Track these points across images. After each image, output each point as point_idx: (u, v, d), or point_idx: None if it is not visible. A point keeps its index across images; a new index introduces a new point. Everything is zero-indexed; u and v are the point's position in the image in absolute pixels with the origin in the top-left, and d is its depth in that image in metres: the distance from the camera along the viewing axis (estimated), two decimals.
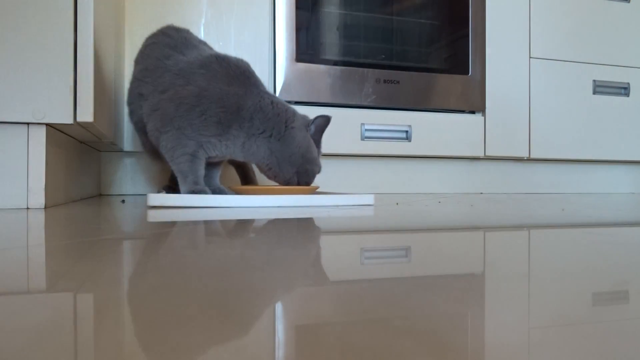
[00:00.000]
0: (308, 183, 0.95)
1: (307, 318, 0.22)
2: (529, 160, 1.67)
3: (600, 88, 1.68)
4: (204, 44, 1.05)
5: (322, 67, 1.40)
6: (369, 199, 0.95)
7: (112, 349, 0.18)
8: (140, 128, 0.99)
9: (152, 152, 1.01)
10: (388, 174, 1.55)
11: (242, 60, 0.95)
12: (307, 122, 0.95)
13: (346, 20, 1.43)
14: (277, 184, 0.97)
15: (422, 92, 1.49)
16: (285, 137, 0.91)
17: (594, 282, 0.30)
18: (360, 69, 1.43)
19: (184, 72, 0.91)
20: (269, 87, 1.33)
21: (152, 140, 0.93)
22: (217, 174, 1.05)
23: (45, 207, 0.81)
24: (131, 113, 1.01)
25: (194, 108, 0.87)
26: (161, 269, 0.32)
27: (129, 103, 1.00)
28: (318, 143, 0.97)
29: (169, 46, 0.97)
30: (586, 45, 1.67)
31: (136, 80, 0.98)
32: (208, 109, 0.87)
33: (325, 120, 0.96)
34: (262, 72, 1.34)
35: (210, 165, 1.01)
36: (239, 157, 0.94)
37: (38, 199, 0.80)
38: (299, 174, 0.93)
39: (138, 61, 1.00)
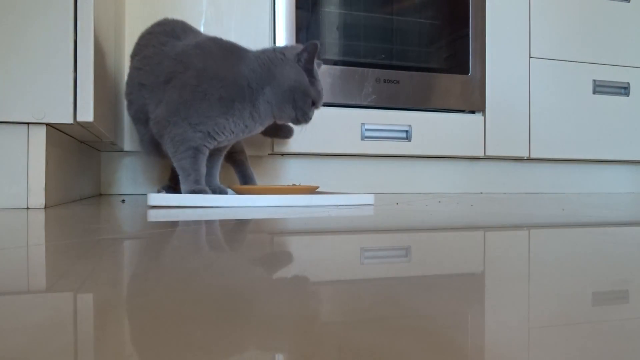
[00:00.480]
0: (305, 119, 0.93)
1: (308, 318, 0.22)
2: (529, 160, 1.67)
3: (600, 88, 1.68)
4: (199, 32, 1.04)
5: (322, 67, 1.39)
6: (369, 199, 0.95)
7: (112, 349, 0.18)
8: (138, 119, 0.99)
9: (150, 144, 1.00)
10: (388, 174, 1.55)
11: (232, 41, 0.96)
12: (296, 54, 0.92)
13: (346, 20, 1.43)
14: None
15: (422, 92, 1.49)
16: (274, 78, 0.90)
17: (594, 282, 0.30)
18: (360, 69, 1.43)
19: (181, 56, 0.91)
20: None
21: (154, 132, 0.93)
22: (217, 173, 1.05)
23: (45, 207, 0.81)
24: (130, 104, 1.00)
25: (195, 89, 0.88)
26: (161, 268, 0.32)
27: (128, 94, 1.00)
28: (310, 71, 0.93)
29: (165, 33, 0.98)
30: (586, 45, 1.67)
31: (135, 69, 0.97)
32: (209, 87, 0.88)
33: (314, 47, 0.91)
34: None
35: (211, 162, 1.01)
36: (254, 129, 0.94)
37: (38, 199, 0.80)
38: (296, 108, 0.92)
39: (136, 53, 1.01)
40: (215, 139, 0.90)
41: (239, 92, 0.89)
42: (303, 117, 0.93)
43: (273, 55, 0.92)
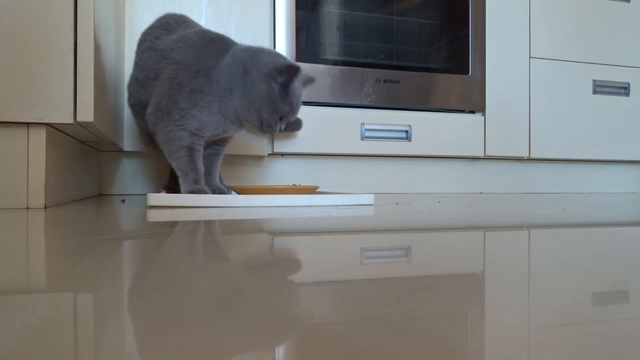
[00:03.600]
0: (272, 128, 0.90)
1: (307, 318, 0.22)
2: (529, 160, 1.67)
3: (600, 88, 1.68)
4: (196, 25, 1.04)
5: (322, 66, 1.39)
6: (369, 199, 0.95)
7: (112, 349, 0.18)
8: (137, 112, 1.02)
9: (148, 138, 1.03)
10: (388, 174, 1.55)
11: (224, 35, 0.95)
12: (270, 71, 0.87)
13: (346, 20, 1.43)
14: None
15: (422, 92, 1.49)
16: (244, 88, 0.88)
17: (594, 282, 0.30)
18: (360, 69, 1.43)
19: (166, 51, 0.93)
20: None
21: (149, 126, 0.95)
22: (217, 172, 1.05)
23: (45, 207, 0.81)
24: (130, 96, 1.03)
25: (173, 81, 0.89)
26: (161, 268, 0.32)
27: (128, 86, 1.04)
28: (286, 88, 0.89)
29: (162, 27, 1.00)
30: (586, 45, 1.67)
31: (135, 64, 1.01)
32: (184, 78, 0.88)
33: (293, 70, 0.87)
34: None
35: (209, 160, 1.01)
36: (228, 128, 0.92)
37: (38, 199, 0.80)
38: (262, 120, 0.89)
39: (137, 48, 1.03)
40: (200, 136, 0.90)
41: (208, 85, 0.88)
42: (268, 129, 0.91)
43: (249, 59, 0.88)
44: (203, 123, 0.90)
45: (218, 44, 0.91)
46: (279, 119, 0.90)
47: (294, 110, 0.92)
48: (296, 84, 0.91)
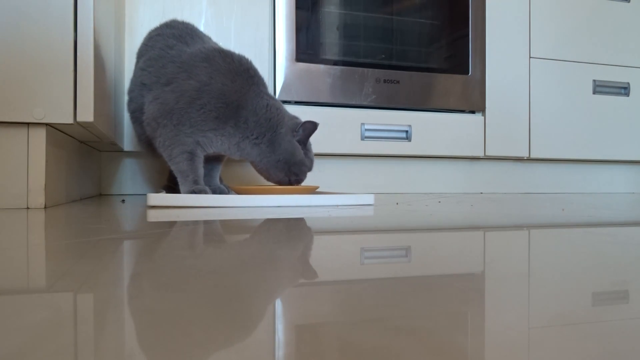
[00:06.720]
0: (298, 182, 0.97)
1: (307, 318, 0.22)
2: (529, 160, 1.67)
3: (600, 88, 1.68)
4: (209, 38, 1.05)
5: (322, 67, 1.40)
6: (369, 199, 0.95)
7: (112, 349, 0.18)
8: (137, 118, 1.00)
9: (147, 144, 1.01)
10: (388, 174, 1.55)
11: (244, 57, 0.95)
12: (294, 126, 0.95)
13: (346, 20, 1.43)
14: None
15: (422, 92, 1.49)
16: (272, 143, 0.92)
17: (594, 282, 0.30)
18: (360, 69, 1.43)
19: (186, 64, 0.91)
20: (269, 86, 1.33)
21: (147, 130, 0.93)
22: (217, 174, 1.05)
23: (45, 207, 0.81)
24: (130, 101, 1.00)
25: (194, 101, 0.88)
26: (161, 268, 0.32)
27: (130, 91, 1.00)
28: (305, 144, 0.97)
29: (174, 36, 0.98)
30: (586, 45, 1.67)
31: (140, 70, 0.98)
32: (208, 102, 0.88)
33: (313, 126, 0.97)
34: (262, 72, 1.33)
35: (211, 164, 1.01)
36: (235, 155, 0.95)
37: (38, 199, 0.80)
38: (290, 174, 0.95)
39: (142, 53, 1.00)
40: (204, 149, 0.91)
41: (235, 119, 0.90)
42: (295, 182, 0.97)
43: (278, 115, 0.93)
44: (213, 143, 0.90)
45: (245, 77, 0.92)
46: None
47: (313, 162, 1.01)
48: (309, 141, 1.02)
